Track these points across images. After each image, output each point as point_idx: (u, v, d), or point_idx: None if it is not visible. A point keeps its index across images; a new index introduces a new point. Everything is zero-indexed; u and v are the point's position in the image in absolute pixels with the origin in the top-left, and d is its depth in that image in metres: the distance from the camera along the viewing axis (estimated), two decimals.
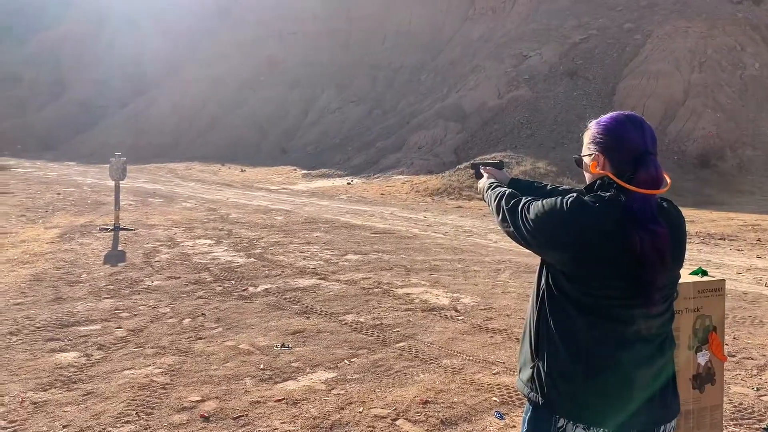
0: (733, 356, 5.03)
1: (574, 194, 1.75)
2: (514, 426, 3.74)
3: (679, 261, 1.76)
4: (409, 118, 32.13)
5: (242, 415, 3.81)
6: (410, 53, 40.36)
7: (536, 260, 1.92)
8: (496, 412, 3.93)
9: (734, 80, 26.81)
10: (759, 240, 11.92)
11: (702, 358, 2.87)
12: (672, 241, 1.69)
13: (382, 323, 5.85)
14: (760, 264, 9.59)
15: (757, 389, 4.39)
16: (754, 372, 4.74)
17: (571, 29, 33.29)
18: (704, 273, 2.99)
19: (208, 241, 10.42)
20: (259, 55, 46.12)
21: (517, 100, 28.94)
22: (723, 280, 2.99)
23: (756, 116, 25.10)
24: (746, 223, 14.18)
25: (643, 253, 1.62)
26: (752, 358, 5.04)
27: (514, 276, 8.14)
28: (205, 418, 3.76)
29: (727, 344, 4.92)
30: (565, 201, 1.71)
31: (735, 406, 4.07)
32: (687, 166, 22.16)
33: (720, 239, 12.03)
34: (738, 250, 10.98)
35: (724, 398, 3.17)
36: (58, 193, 17.85)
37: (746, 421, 3.89)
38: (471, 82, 31.84)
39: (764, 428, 3.77)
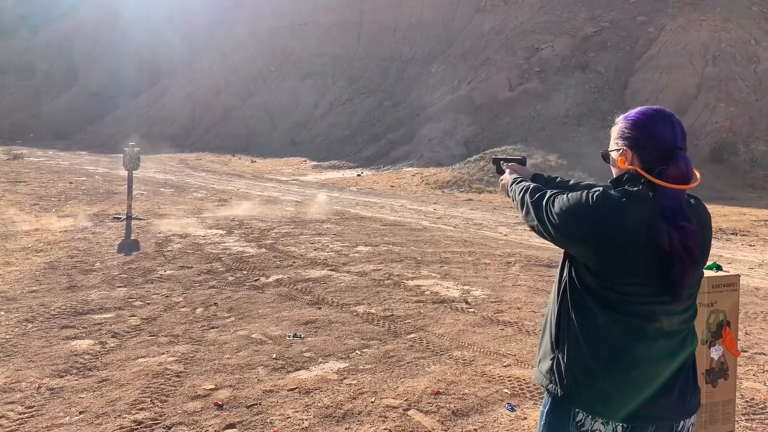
0: (746, 351, 5.03)
1: (601, 188, 1.73)
2: (525, 418, 3.76)
3: (705, 258, 1.75)
4: (420, 111, 32.04)
5: (255, 404, 3.85)
6: (421, 45, 40.22)
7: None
8: (508, 404, 3.95)
9: (748, 74, 26.54)
10: None
11: (715, 353, 2.88)
12: (701, 239, 1.67)
13: (393, 314, 5.88)
14: None
15: None
16: (766, 367, 4.73)
17: (583, 22, 33.04)
18: (719, 268, 2.99)
19: (220, 231, 10.48)
20: (272, 46, 46.08)
21: (529, 92, 28.78)
22: (737, 276, 3.00)
23: None
24: (759, 218, 14.09)
25: (673, 250, 1.61)
26: (764, 354, 5.04)
27: (525, 269, 8.14)
28: (219, 406, 3.80)
29: (739, 339, 4.90)
30: (591, 195, 1.69)
31: (747, 401, 4.07)
32: (699, 161, 21.98)
33: (732, 234, 11.96)
34: (750, 245, 10.92)
35: (736, 393, 3.17)
36: (71, 182, 17.97)
37: (758, 416, 3.89)
38: (482, 75, 31.70)
39: None
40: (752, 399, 4.12)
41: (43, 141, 42.15)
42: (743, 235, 11.98)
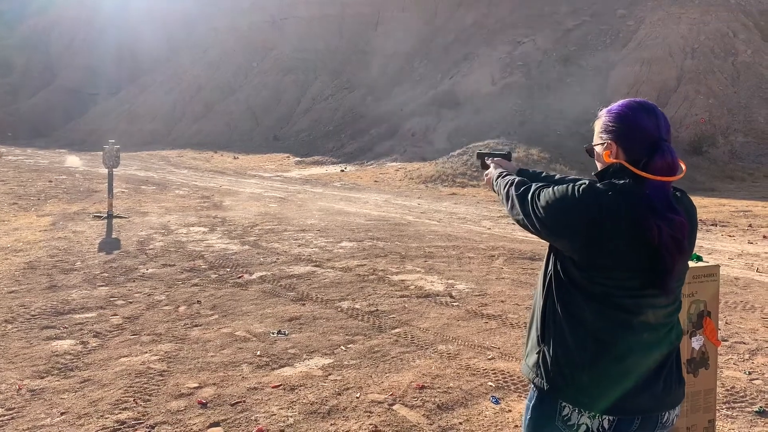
0: (726, 341, 5.09)
1: (587, 182, 1.71)
2: (510, 410, 3.78)
3: (691, 250, 1.75)
4: (403, 106, 32.02)
5: (240, 401, 3.83)
6: (403, 39, 40.14)
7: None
8: (492, 396, 3.96)
9: (726, 67, 26.84)
10: (750, 226, 12.01)
11: (696, 343, 2.90)
12: (689, 230, 1.67)
13: (377, 309, 5.88)
14: (751, 249, 9.66)
15: (749, 373, 4.44)
16: (746, 356, 4.80)
17: (564, 15, 33.20)
18: (699, 258, 3.02)
19: (202, 229, 10.40)
20: (253, 41, 45.77)
21: (511, 86, 28.88)
22: (717, 266, 3.03)
23: (748, 103, 25.17)
24: (738, 209, 14.27)
25: (662, 243, 1.60)
26: (744, 343, 5.10)
27: (508, 262, 8.18)
28: (203, 405, 3.78)
29: (719, 329, 4.96)
30: (577, 188, 1.68)
31: (727, 390, 4.12)
32: (679, 153, 21.81)
33: (712, 225, 12.11)
34: (730, 236, 11.06)
35: (717, 382, 3.21)
36: (50, 181, 17.72)
37: (738, 404, 3.94)
38: (464, 69, 31.75)
39: (756, 411, 3.82)
40: (733, 388, 4.17)
41: (20, 139, 41.50)
42: (723, 225, 12.13)
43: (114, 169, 11.84)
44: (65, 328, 5.20)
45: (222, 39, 47.06)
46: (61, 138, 42.27)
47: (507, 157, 2.38)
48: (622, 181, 1.68)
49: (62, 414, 3.63)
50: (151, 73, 48.76)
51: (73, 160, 26.24)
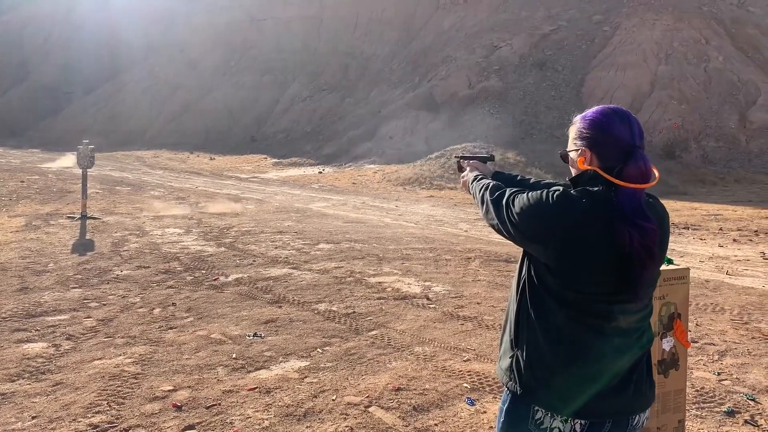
0: (696, 342, 5.18)
1: (561, 188, 1.72)
2: (485, 412, 3.81)
3: (663, 257, 1.77)
4: (381, 108, 32.07)
5: (215, 404, 3.81)
6: (382, 42, 40.24)
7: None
8: (467, 398, 3.99)
9: (699, 73, 27.34)
10: (721, 229, 12.23)
11: (667, 344, 2.96)
12: (660, 237, 1.69)
13: (354, 312, 5.88)
14: (721, 253, 9.85)
15: (718, 374, 4.53)
16: (716, 357, 4.89)
17: (541, 20, 33.54)
18: (670, 261, 3.07)
19: (178, 230, 10.31)
20: (231, 40, 45.52)
21: (488, 90, 29.08)
22: (687, 269, 3.08)
23: (719, 108, 25.66)
24: (709, 212, 14.53)
25: (632, 250, 1.61)
26: (714, 344, 5.20)
27: (485, 264, 8.23)
28: (178, 408, 3.75)
29: (689, 330, 5.05)
30: (551, 195, 1.68)
31: (697, 391, 4.20)
32: (652, 157, 22.21)
33: (684, 228, 12.31)
34: (701, 239, 11.25)
35: (687, 383, 3.27)
36: (22, 181, 17.43)
37: (708, 405, 4.02)
38: (442, 72, 31.90)
39: (724, 411, 3.90)
40: (702, 388, 4.25)
41: None
42: (695, 229, 12.34)
43: (88, 170, 11.69)
44: (37, 330, 5.12)
45: (200, 38, 46.70)
46: (34, 137, 41.57)
47: (485, 160, 2.35)
48: (596, 188, 1.69)
49: (33, 418, 3.58)
50: (128, 71, 48.18)
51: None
